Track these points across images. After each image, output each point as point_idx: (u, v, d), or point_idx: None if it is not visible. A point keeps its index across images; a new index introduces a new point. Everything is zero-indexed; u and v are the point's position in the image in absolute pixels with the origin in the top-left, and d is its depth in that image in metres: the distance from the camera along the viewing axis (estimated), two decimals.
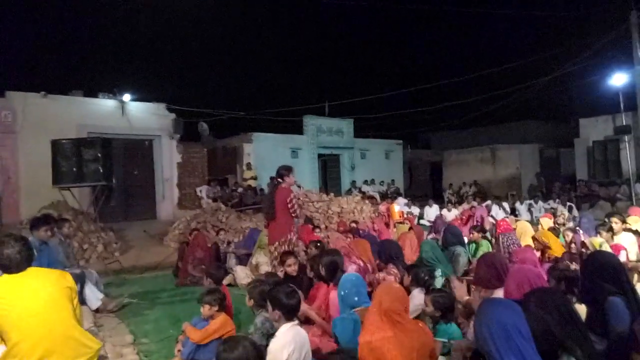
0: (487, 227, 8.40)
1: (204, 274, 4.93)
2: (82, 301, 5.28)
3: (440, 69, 40.83)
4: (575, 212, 12.88)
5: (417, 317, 3.66)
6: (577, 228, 7.09)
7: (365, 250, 5.60)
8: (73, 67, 32.03)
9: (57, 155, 8.34)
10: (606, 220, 6.51)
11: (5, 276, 2.76)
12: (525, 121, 25.90)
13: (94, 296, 5.72)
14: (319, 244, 6.16)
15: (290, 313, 3.02)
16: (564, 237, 6.58)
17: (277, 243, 5.82)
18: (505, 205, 14.55)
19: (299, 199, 5.97)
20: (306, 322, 3.90)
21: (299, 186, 13.43)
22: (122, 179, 13.33)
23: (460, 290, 3.82)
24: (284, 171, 5.96)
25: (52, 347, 2.69)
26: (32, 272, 2.83)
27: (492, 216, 13.14)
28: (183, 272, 7.41)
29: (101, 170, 8.21)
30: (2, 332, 2.66)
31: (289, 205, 5.74)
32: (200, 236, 7.98)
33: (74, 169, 8.21)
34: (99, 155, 8.23)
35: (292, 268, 4.81)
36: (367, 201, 13.52)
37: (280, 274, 4.81)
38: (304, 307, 3.79)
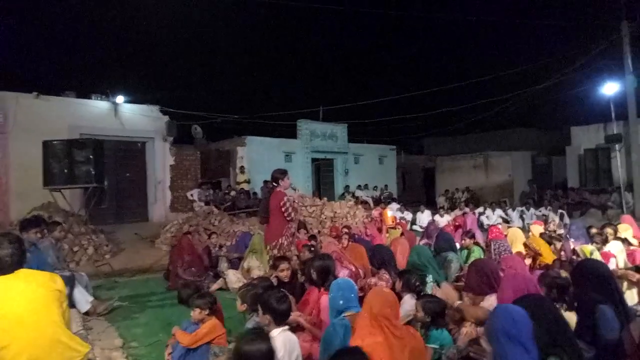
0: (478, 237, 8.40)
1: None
2: (72, 304, 5.24)
3: (434, 76, 41.09)
4: (566, 219, 12.97)
5: (409, 323, 3.66)
6: (568, 235, 7.14)
7: (361, 255, 5.60)
8: (66, 68, 31.80)
9: (48, 156, 8.26)
10: (602, 230, 6.58)
11: None
12: (518, 129, 26.14)
13: (84, 299, 5.67)
14: (312, 249, 6.16)
15: (280, 318, 3.02)
16: (554, 244, 6.61)
17: (268, 247, 5.86)
18: (498, 211, 14.63)
19: (294, 201, 5.95)
20: (298, 327, 3.89)
21: (294, 189, 13.36)
22: (115, 181, 13.26)
23: (449, 297, 3.83)
24: (279, 175, 5.92)
25: (40, 351, 2.65)
26: (22, 274, 2.80)
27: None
28: (174, 275, 7.37)
29: (93, 172, 8.15)
30: None
31: (283, 209, 5.73)
32: (185, 240, 7.84)
33: (66, 171, 8.14)
34: (91, 156, 8.17)
35: (284, 273, 4.79)
36: (360, 206, 13.53)
37: (273, 280, 4.78)
38: (294, 314, 3.78)
